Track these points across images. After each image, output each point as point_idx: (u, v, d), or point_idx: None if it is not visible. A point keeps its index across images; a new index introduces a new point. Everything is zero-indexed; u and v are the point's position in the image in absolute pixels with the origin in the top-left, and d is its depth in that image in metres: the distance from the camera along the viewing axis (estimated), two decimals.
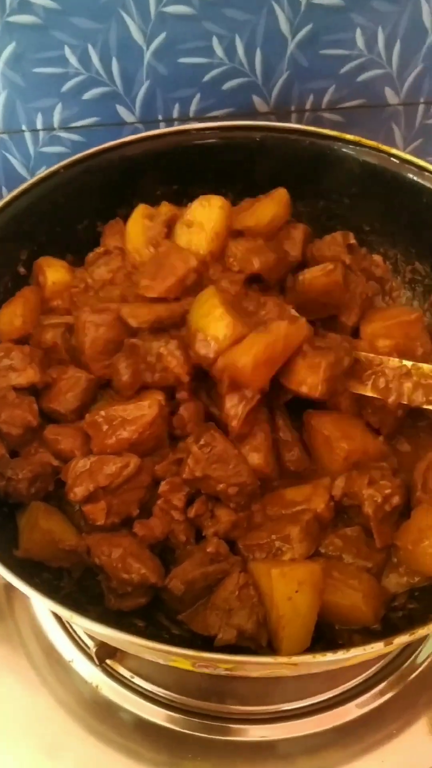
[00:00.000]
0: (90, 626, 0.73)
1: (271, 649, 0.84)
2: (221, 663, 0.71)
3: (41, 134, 1.31)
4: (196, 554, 0.90)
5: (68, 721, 1.00)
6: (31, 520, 0.92)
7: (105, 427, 0.94)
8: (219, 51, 1.21)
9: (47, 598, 0.75)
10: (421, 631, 0.70)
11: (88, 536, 0.91)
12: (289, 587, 0.83)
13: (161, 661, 0.79)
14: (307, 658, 0.70)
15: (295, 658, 0.70)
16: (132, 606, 0.90)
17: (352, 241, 1.17)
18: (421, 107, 1.34)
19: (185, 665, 0.72)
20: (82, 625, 0.74)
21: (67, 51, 1.19)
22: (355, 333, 1.08)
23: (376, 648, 0.69)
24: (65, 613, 0.73)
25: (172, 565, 0.92)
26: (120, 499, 0.91)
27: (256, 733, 0.97)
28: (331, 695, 1.02)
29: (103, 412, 0.94)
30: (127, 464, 0.91)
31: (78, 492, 0.90)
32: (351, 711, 1.02)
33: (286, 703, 1.00)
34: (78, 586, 0.93)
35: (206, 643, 0.86)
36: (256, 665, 0.73)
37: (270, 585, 0.84)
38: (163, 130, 1.18)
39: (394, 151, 1.14)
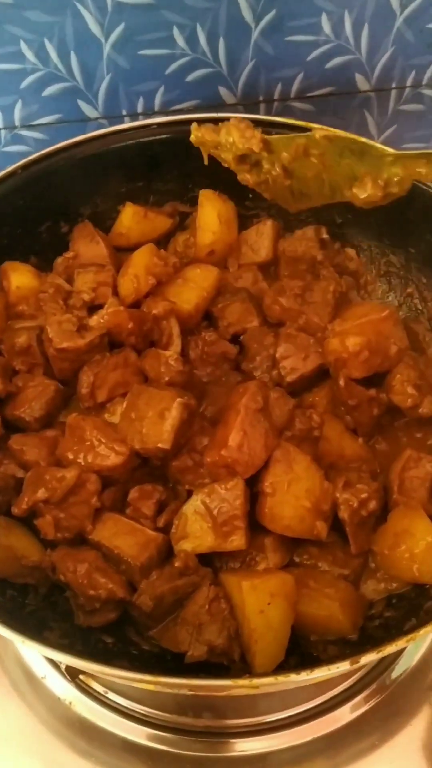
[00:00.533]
0: (46, 652, 0.70)
1: (244, 663, 0.82)
2: (181, 687, 0.67)
3: (2, 133, 1.27)
4: (162, 570, 0.86)
5: (46, 737, 0.97)
6: None
7: (83, 440, 0.92)
8: (180, 41, 1.17)
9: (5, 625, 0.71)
10: (388, 648, 0.67)
11: (52, 552, 0.88)
12: (260, 600, 0.80)
13: (125, 683, 0.76)
14: (269, 680, 0.67)
15: (256, 681, 0.67)
16: (101, 622, 0.87)
17: (325, 235, 1.14)
18: (393, 93, 1.31)
19: (148, 687, 0.69)
20: (39, 651, 0.71)
21: (23, 46, 1.15)
22: None
23: (342, 668, 0.66)
24: (15, 638, 0.70)
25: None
26: (67, 513, 0.87)
27: (234, 747, 0.94)
28: (315, 704, 0.98)
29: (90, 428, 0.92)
30: (63, 477, 0.87)
31: (17, 506, 0.87)
32: (337, 719, 0.99)
33: (267, 715, 0.96)
34: (45, 602, 0.90)
35: (177, 657, 0.83)
36: (216, 687, 0.70)
37: (241, 598, 0.81)
38: (123, 125, 1.14)
39: (362, 140, 1.09)
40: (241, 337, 1.07)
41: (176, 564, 0.85)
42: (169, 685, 0.68)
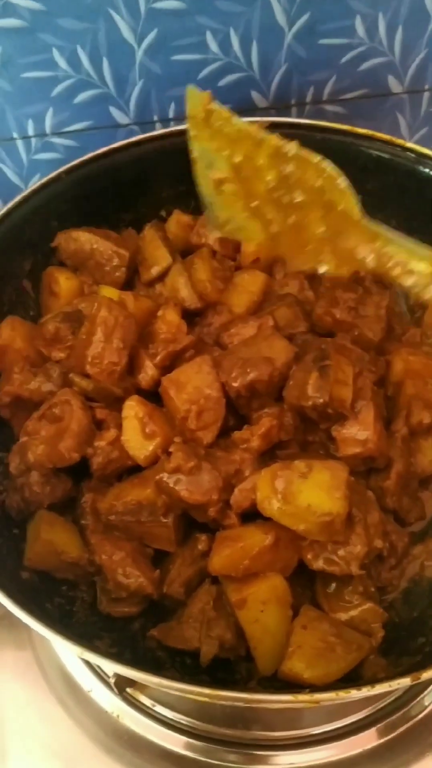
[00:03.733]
0: (100, 662, 0.70)
1: (250, 659, 0.84)
2: (240, 701, 0.67)
3: (33, 141, 1.27)
4: (185, 554, 0.89)
5: (91, 749, 0.97)
6: (34, 529, 0.91)
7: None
8: (213, 46, 1.16)
9: (55, 632, 0.71)
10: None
11: (93, 535, 0.91)
12: (252, 610, 0.82)
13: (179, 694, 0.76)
14: (329, 695, 0.67)
15: (317, 696, 0.67)
16: (123, 613, 0.89)
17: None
18: (426, 95, 1.29)
19: (203, 699, 0.69)
20: (93, 660, 0.71)
21: (56, 53, 1.15)
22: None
23: (403, 683, 0.65)
24: (75, 650, 0.70)
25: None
26: None
27: (283, 760, 0.94)
28: (361, 716, 0.98)
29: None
30: None
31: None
32: (380, 733, 0.98)
33: (315, 727, 0.96)
34: (91, 611, 0.91)
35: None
36: (275, 702, 0.70)
37: (234, 611, 0.83)
38: (168, 129, 1.14)
39: (408, 144, 1.09)
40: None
41: (199, 547, 0.88)
42: (226, 698, 0.67)
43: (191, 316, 1.07)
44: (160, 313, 1.03)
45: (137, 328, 0.98)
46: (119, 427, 0.94)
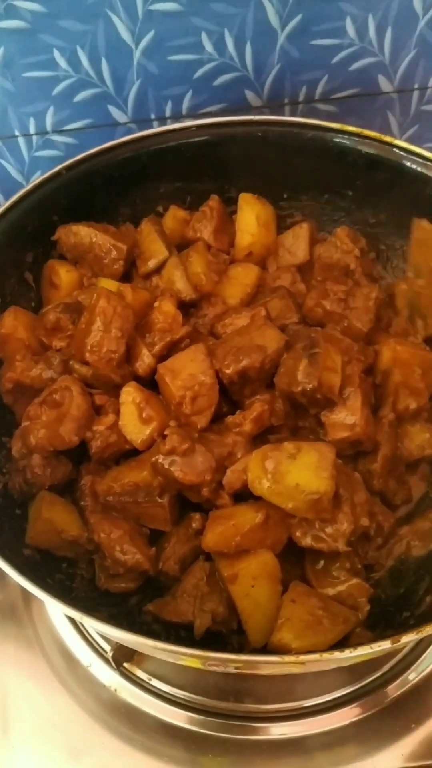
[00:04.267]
0: (100, 627, 0.74)
1: (241, 633, 0.88)
2: (231, 662, 0.71)
3: (34, 138, 1.30)
4: (180, 532, 0.93)
5: (90, 723, 1.01)
6: (36, 509, 0.95)
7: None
8: (208, 46, 1.20)
9: (58, 599, 0.75)
10: (426, 629, 0.70)
11: (92, 515, 0.95)
12: (243, 585, 0.85)
13: (173, 660, 0.80)
14: (314, 657, 0.71)
15: (302, 657, 0.71)
16: (120, 589, 0.93)
17: (363, 245, 1.17)
18: (415, 93, 1.33)
19: (196, 664, 0.73)
20: (93, 625, 0.75)
21: (56, 54, 1.18)
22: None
23: (383, 646, 0.69)
24: (75, 614, 0.74)
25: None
26: None
27: (274, 731, 0.98)
28: (349, 690, 1.02)
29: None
30: None
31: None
32: (371, 704, 1.02)
33: (305, 700, 1.00)
34: (90, 587, 0.95)
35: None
36: (265, 664, 0.74)
37: (225, 583, 0.87)
38: (165, 127, 1.17)
39: (397, 141, 1.12)
40: None
41: (193, 525, 0.92)
42: (219, 660, 0.71)
43: (186, 308, 1.11)
44: (156, 304, 1.07)
45: (135, 318, 1.02)
46: (117, 412, 0.98)
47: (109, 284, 1.06)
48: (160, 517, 0.95)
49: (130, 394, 0.98)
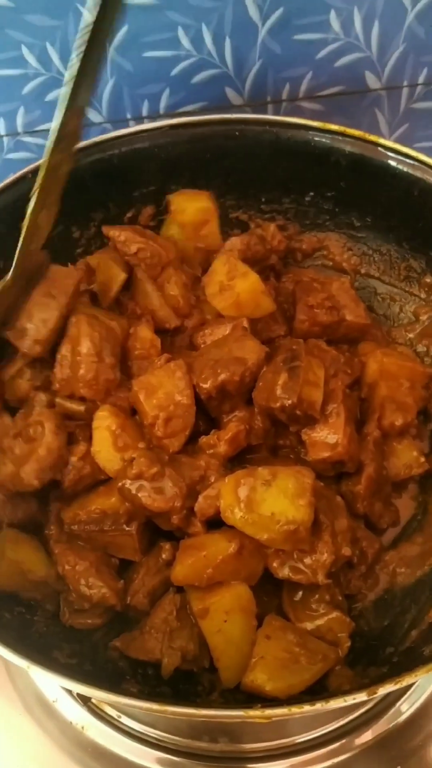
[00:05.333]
0: (50, 677, 0.68)
1: (213, 671, 0.83)
2: (193, 716, 0.65)
3: (5, 140, 1.25)
4: (149, 563, 0.88)
5: (62, 760, 0.95)
6: None
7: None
8: (185, 42, 1.14)
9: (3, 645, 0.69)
10: (407, 678, 0.64)
11: (56, 545, 0.89)
12: (215, 620, 0.80)
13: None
14: (282, 711, 0.65)
15: (268, 712, 0.65)
16: (86, 625, 0.88)
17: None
18: (405, 91, 1.27)
19: (160, 714, 0.67)
20: (42, 674, 0.69)
21: (25, 51, 1.12)
22: None
23: (358, 698, 0.63)
24: (20, 662, 0.67)
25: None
26: None
27: None
28: (335, 726, 0.96)
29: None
30: None
31: None
32: (355, 743, 0.96)
33: (284, 739, 0.94)
34: (53, 620, 0.89)
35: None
36: (227, 717, 0.68)
37: (197, 621, 0.82)
38: (136, 128, 1.11)
39: (381, 140, 1.07)
40: None
41: (163, 556, 0.87)
42: (182, 714, 0.65)
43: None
44: (131, 330, 1.01)
45: (120, 341, 0.97)
46: (89, 439, 0.91)
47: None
48: (129, 546, 0.89)
49: (104, 419, 0.91)
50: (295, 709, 0.63)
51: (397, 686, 0.64)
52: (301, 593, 0.86)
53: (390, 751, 0.95)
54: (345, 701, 0.63)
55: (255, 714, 0.64)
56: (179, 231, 1.12)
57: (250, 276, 1.03)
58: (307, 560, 0.82)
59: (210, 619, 0.80)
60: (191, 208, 1.11)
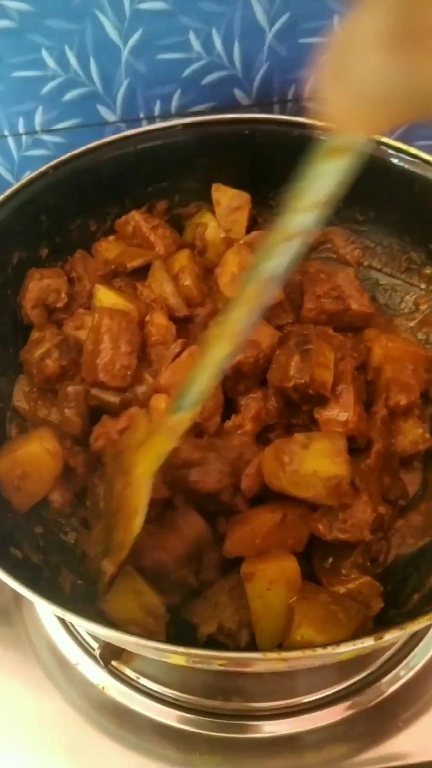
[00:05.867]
0: (87, 625, 0.74)
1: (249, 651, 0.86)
2: (213, 659, 0.71)
3: (24, 138, 1.31)
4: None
5: (79, 721, 1.00)
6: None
7: None
8: (196, 45, 1.20)
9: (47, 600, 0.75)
10: (410, 626, 0.70)
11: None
12: (259, 586, 0.85)
13: (157, 658, 0.80)
14: (297, 654, 0.70)
15: (284, 654, 0.70)
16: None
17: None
18: None
19: (180, 661, 0.73)
20: (80, 624, 0.74)
21: (45, 53, 1.18)
22: None
23: (367, 644, 0.69)
24: (66, 615, 0.73)
25: None
26: None
27: (265, 728, 0.98)
28: (341, 687, 1.01)
29: None
30: None
31: None
32: (362, 702, 1.01)
33: (293, 698, 1.00)
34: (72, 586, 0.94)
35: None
36: (246, 660, 0.74)
37: (243, 581, 0.86)
38: (150, 126, 1.17)
39: (384, 139, 1.12)
40: None
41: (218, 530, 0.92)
42: (202, 657, 0.71)
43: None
44: (147, 318, 1.07)
45: (139, 330, 1.03)
46: None
47: (106, 294, 1.06)
48: None
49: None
50: (308, 652, 0.69)
51: (402, 632, 0.70)
52: (331, 560, 0.92)
53: (389, 713, 1.00)
54: (354, 645, 0.69)
55: (273, 656, 0.70)
56: (211, 217, 1.19)
57: None
58: (351, 520, 0.88)
59: (254, 584, 0.85)
60: (230, 192, 1.18)
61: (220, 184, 1.19)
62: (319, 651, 0.69)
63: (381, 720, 1.00)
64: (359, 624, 0.85)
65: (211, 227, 1.19)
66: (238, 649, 0.85)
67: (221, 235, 1.19)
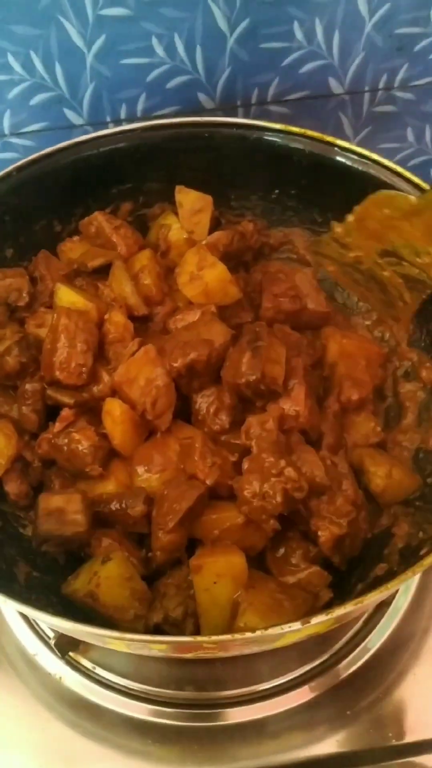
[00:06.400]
0: (34, 614, 0.76)
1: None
2: (152, 644, 0.73)
3: None
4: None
5: (40, 711, 1.02)
6: None
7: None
8: (159, 50, 1.23)
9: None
10: (337, 611, 0.72)
11: None
12: (207, 578, 0.87)
13: (101, 645, 0.82)
14: (227, 637, 0.73)
15: (215, 638, 0.72)
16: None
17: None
18: (366, 95, 1.36)
19: (120, 647, 0.75)
20: (29, 613, 0.77)
21: (10, 58, 1.21)
22: None
23: (294, 627, 0.71)
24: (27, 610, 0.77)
25: None
26: None
27: (220, 716, 1.00)
28: (300, 672, 1.04)
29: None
30: None
31: None
32: (323, 684, 1.04)
33: (250, 687, 1.02)
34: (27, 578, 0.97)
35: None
36: (181, 644, 0.76)
37: (191, 573, 0.89)
38: (113, 129, 1.20)
39: (338, 141, 1.15)
40: None
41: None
42: (143, 641, 0.73)
43: None
44: (106, 316, 1.09)
45: (97, 329, 1.05)
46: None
47: (67, 293, 1.08)
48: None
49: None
50: (237, 636, 0.71)
51: (328, 617, 0.72)
52: (283, 550, 0.94)
53: (349, 695, 1.03)
54: (282, 630, 0.71)
55: (202, 639, 0.72)
56: (175, 218, 1.21)
57: (218, 266, 1.11)
58: (335, 511, 0.94)
59: (202, 576, 0.87)
60: (193, 195, 1.20)
61: (183, 187, 1.21)
62: (248, 635, 0.71)
63: (341, 702, 1.02)
64: (305, 613, 0.87)
65: (174, 228, 1.22)
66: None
67: (184, 236, 1.21)
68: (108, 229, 1.18)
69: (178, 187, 1.21)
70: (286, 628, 0.71)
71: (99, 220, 1.19)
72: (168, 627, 0.88)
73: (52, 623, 0.76)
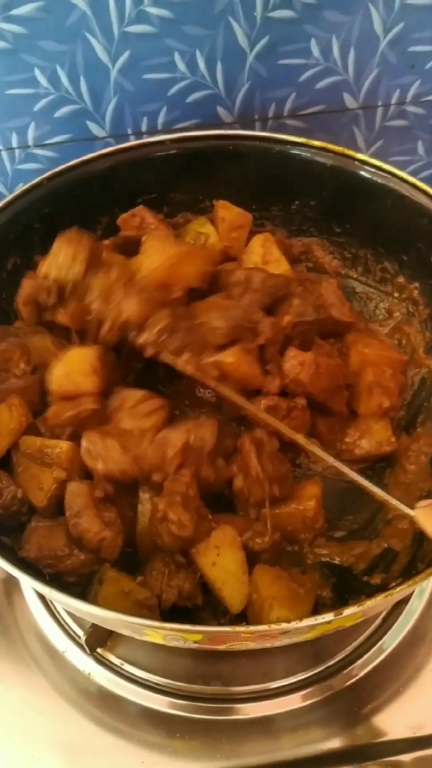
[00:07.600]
0: (68, 602, 0.79)
1: (206, 608, 0.93)
2: (193, 633, 0.76)
3: (17, 152, 1.37)
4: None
5: (67, 708, 1.05)
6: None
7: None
8: (181, 66, 1.27)
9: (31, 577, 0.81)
10: (369, 603, 0.75)
11: None
12: (209, 555, 0.90)
13: (138, 637, 0.85)
14: (263, 628, 0.76)
15: (252, 628, 0.76)
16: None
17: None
18: (379, 110, 1.40)
19: (158, 639, 0.78)
20: (60, 600, 0.80)
21: (37, 72, 1.25)
22: None
23: (327, 618, 0.74)
24: (45, 590, 0.79)
25: None
26: None
27: (241, 711, 1.03)
28: (314, 672, 1.07)
29: None
30: None
31: None
32: (334, 685, 1.07)
33: (271, 682, 1.05)
34: None
35: None
36: (220, 634, 0.79)
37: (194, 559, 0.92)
38: (143, 140, 1.24)
39: (359, 155, 1.19)
40: None
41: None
42: (181, 631, 0.76)
43: None
44: None
45: None
46: None
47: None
48: None
49: None
50: (274, 626, 0.74)
51: (360, 608, 0.76)
52: None
53: (365, 693, 1.06)
54: (316, 620, 0.75)
55: (240, 629, 0.75)
56: (212, 228, 1.25)
57: (282, 264, 1.15)
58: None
59: (204, 555, 0.90)
60: (235, 211, 1.24)
61: (226, 202, 1.25)
62: (284, 626, 0.74)
63: (355, 703, 1.05)
64: (315, 596, 0.92)
65: (212, 237, 1.25)
66: (196, 607, 0.92)
67: (220, 247, 1.24)
68: (153, 221, 1.21)
69: (221, 202, 1.25)
70: (320, 619, 0.74)
71: (143, 214, 1.22)
72: (182, 601, 0.91)
73: (96, 614, 0.78)
